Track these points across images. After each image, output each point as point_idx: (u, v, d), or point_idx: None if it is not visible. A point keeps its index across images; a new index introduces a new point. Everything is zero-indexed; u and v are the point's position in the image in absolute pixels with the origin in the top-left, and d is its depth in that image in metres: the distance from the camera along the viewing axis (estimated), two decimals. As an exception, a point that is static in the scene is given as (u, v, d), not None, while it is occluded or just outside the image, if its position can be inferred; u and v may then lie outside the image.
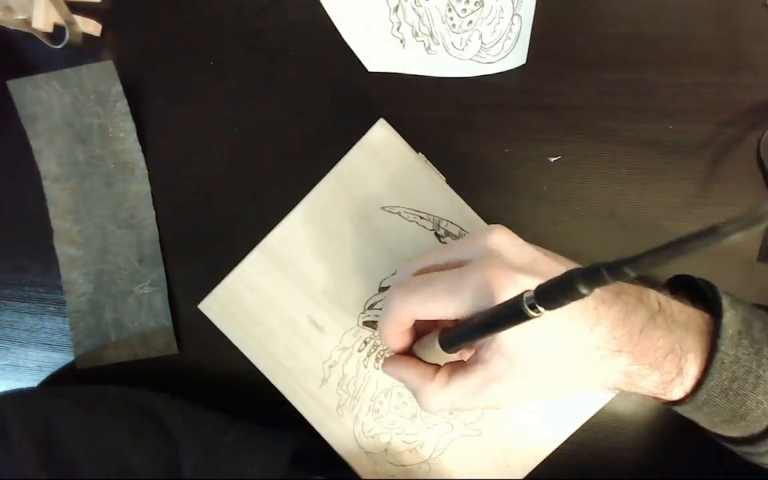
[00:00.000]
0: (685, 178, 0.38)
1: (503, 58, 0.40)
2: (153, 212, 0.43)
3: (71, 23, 0.42)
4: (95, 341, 0.42)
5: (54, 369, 0.44)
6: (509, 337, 0.26)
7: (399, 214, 0.36)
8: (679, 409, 0.30)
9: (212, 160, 0.43)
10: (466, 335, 0.27)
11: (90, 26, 0.43)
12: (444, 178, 0.37)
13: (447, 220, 0.36)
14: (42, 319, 0.44)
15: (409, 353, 0.32)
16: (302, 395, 0.37)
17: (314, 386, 0.37)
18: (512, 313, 0.23)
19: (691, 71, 0.39)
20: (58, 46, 0.43)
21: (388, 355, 0.34)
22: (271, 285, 0.37)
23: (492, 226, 0.29)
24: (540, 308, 0.21)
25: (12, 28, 0.43)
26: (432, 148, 0.41)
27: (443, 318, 0.28)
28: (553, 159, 0.39)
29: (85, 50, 0.44)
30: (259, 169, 0.42)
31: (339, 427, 0.37)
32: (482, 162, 0.40)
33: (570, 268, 0.28)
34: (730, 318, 0.28)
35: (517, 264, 0.27)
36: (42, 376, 0.44)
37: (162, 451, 0.36)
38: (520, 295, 0.22)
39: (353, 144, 0.41)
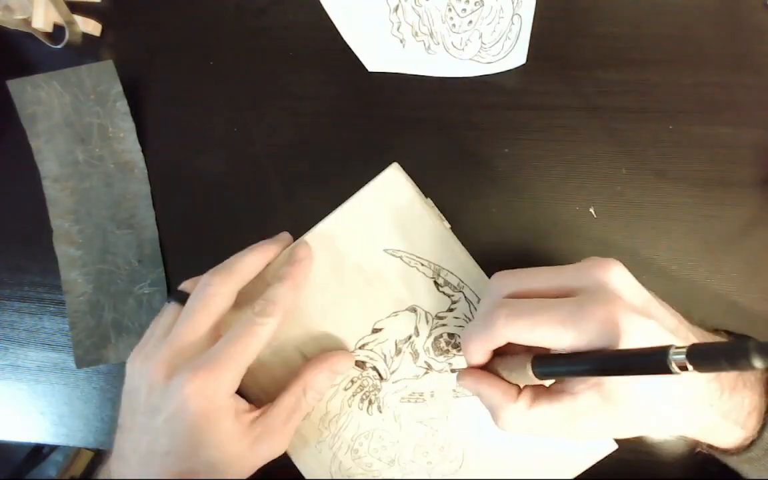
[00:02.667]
0: (685, 178, 0.38)
1: (503, 58, 0.39)
2: (153, 212, 0.43)
3: (71, 23, 0.42)
4: (95, 341, 0.42)
5: (54, 369, 0.44)
6: (608, 377, 0.25)
7: (401, 258, 0.36)
8: (738, 458, 0.29)
9: (212, 160, 0.43)
10: (573, 370, 0.26)
11: (90, 26, 0.43)
12: (449, 226, 0.37)
13: (447, 270, 0.35)
14: (42, 319, 0.44)
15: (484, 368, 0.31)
16: None
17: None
18: (652, 365, 0.22)
19: (691, 71, 0.39)
20: (58, 46, 0.43)
21: (463, 368, 0.33)
22: None
23: (606, 259, 0.27)
24: (689, 367, 0.21)
25: (12, 28, 0.43)
26: (432, 148, 0.41)
27: (554, 348, 0.27)
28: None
29: (85, 50, 0.44)
30: (258, 169, 0.42)
31: (315, 461, 0.36)
32: (482, 162, 0.40)
33: (671, 314, 0.28)
34: None
35: (636, 305, 0.26)
36: (41, 376, 0.44)
37: None
38: (666, 349, 0.21)
39: (352, 144, 0.41)
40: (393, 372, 0.36)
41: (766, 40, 0.38)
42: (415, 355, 0.36)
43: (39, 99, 0.42)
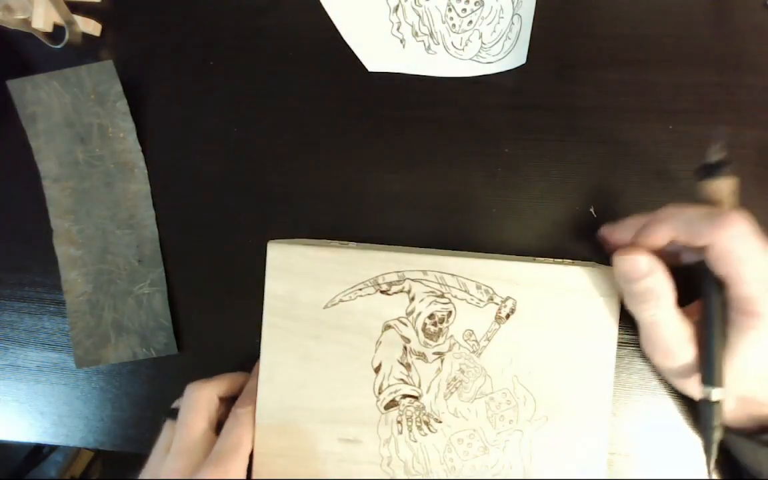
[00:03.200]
0: (685, 178, 0.38)
1: (503, 58, 0.39)
2: (153, 212, 0.43)
3: (71, 23, 0.42)
4: (95, 341, 0.42)
5: (54, 369, 0.44)
6: None
7: (341, 301, 0.36)
8: None
9: (212, 160, 0.43)
10: None
11: (90, 26, 0.43)
12: (354, 244, 0.37)
13: (381, 275, 0.36)
14: (41, 319, 0.44)
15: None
16: None
17: None
18: None
19: (691, 71, 0.39)
20: (58, 46, 0.43)
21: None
22: (288, 440, 0.37)
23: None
24: None
25: (12, 28, 0.43)
26: (432, 148, 0.41)
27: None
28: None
29: (85, 50, 0.44)
30: (258, 169, 0.42)
31: None
32: (482, 162, 0.40)
33: None
34: None
35: None
36: (41, 377, 0.44)
37: None
38: None
39: (352, 144, 0.41)
40: (419, 384, 0.36)
41: (766, 40, 0.38)
42: (421, 356, 0.36)
43: (39, 99, 0.42)
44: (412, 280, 0.36)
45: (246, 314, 0.42)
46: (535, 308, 0.35)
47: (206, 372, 0.43)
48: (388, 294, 0.36)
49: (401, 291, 0.36)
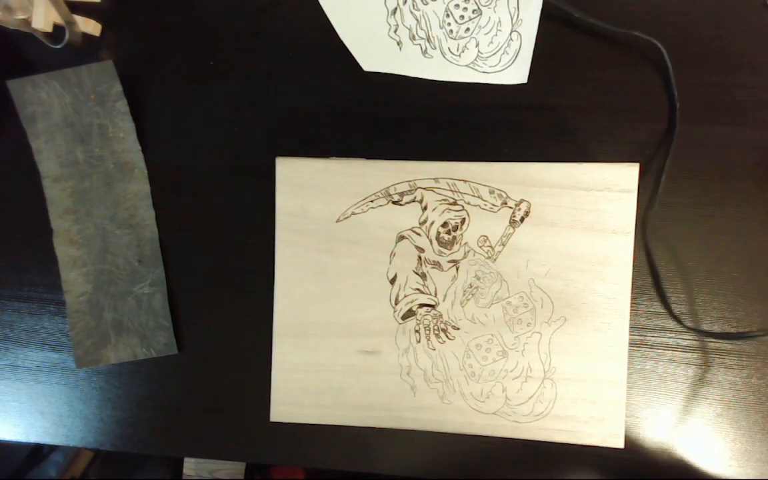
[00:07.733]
0: (685, 178, 0.38)
1: (501, 71, 0.39)
2: (153, 212, 0.43)
3: (71, 23, 0.42)
4: (95, 341, 0.42)
5: (53, 369, 0.44)
6: None
7: (353, 213, 0.36)
8: None
9: (212, 161, 0.43)
10: None
11: (90, 26, 0.43)
12: (359, 158, 0.37)
13: (392, 185, 0.35)
14: (42, 319, 0.44)
15: None
16: (407, 416, 0.36)
17: (409, 400, 0.36)
18: None
19: (692, 71, 0.39)
20: (58, 46, 0.43)
21: None
22: (307, 355, 0.37)
23: None
24: None
25: (12, 28, 0.43)
26: (432, 148, 0.41)
27: None
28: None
29: (85, 50, 0.44)
30: (259, 169, 0.42)
31: (457, 414, 0.36)
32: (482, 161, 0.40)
33: None
34: None
35: None
36: (41, 376, 0.44)
37: None
38: None
39: (353, 143, 0.41)
40: (436, 293, 0.36)
41: (766, 40, 0.38)
42: (436, 265, 0.36)
43: (39, 99, 0.42)
44: (424, 188, 0.35)
45: (246, 314, 0.42)
46: (549, 209, 0.34)
47: (206, 372, 0.43)
48: (401, 204, 0.36)
49: (413, 200, 0.35)
